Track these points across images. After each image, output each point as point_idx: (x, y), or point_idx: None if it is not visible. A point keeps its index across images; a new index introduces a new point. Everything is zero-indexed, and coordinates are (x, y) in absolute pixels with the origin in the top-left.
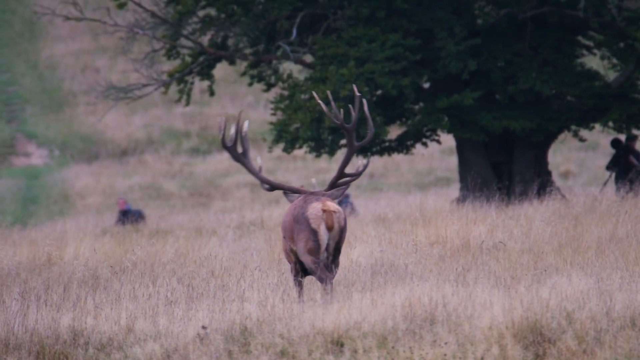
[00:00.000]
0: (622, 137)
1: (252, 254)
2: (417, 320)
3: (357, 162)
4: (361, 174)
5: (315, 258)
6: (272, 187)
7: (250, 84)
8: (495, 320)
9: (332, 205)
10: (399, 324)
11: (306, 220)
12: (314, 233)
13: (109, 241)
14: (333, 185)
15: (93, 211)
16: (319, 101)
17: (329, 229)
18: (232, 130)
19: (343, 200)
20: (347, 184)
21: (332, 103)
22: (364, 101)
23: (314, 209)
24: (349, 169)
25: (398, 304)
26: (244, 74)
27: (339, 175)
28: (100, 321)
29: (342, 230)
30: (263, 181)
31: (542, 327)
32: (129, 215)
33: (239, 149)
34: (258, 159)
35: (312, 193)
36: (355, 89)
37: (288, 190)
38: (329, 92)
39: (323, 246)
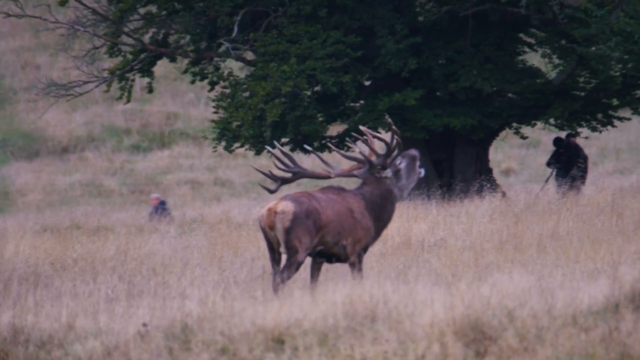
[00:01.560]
0: (564, 136)
1: (193, 251)
2: (358, 317)
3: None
4: (397, 145)
5: (270, 255)
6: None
7: (193, 82)
8: (436, 317)
9: (281, 205)
10: (339, 321)
11: (258, 220)
12: (263, 232)
13: (50, 238)
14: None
15: (33, 208)
16: (273, 157)
17: (270, 228)
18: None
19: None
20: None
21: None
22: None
23: (263, 208)
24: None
25: (339, 301)
26: (185, 71)
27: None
28: (41, 318)
29: (288, 231)
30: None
31: (483, 324)
32: None
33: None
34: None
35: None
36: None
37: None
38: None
39: (270, 245)
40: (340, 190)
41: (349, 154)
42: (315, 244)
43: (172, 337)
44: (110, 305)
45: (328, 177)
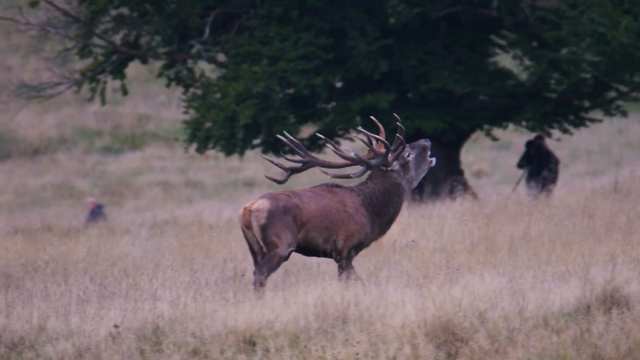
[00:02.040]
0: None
1: (165, 253)
2: (330, 319)
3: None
4: (400, 143)
5: (253, 258)
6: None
7: (168, 85)
8: (407, 319)
9: (257, 203)
10: (311, 323)
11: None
12: (242, 232)
13: (21, 240)
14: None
15: (4, 210)
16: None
17: (247, 227)
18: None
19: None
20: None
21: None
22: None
23: (241, 208)
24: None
25: (310, 303)
26: (160, 75)
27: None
28: (12, 320)
29: (264, 228)
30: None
31: (454, 326)
32: None
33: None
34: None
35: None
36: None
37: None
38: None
39: (251, 248)
40: (334, 186)
41: (346, 154)
42: (300, 239)
43: (143, 338)
44: (81, 306)
45: (341, 167)
